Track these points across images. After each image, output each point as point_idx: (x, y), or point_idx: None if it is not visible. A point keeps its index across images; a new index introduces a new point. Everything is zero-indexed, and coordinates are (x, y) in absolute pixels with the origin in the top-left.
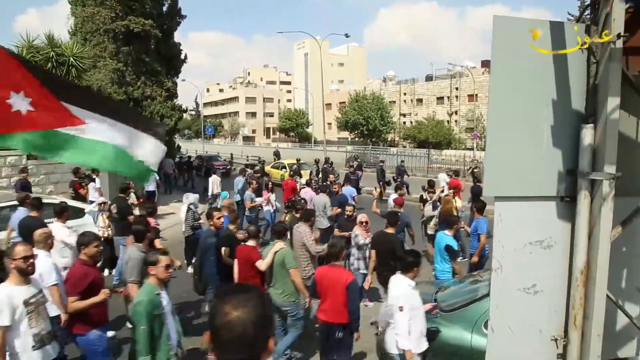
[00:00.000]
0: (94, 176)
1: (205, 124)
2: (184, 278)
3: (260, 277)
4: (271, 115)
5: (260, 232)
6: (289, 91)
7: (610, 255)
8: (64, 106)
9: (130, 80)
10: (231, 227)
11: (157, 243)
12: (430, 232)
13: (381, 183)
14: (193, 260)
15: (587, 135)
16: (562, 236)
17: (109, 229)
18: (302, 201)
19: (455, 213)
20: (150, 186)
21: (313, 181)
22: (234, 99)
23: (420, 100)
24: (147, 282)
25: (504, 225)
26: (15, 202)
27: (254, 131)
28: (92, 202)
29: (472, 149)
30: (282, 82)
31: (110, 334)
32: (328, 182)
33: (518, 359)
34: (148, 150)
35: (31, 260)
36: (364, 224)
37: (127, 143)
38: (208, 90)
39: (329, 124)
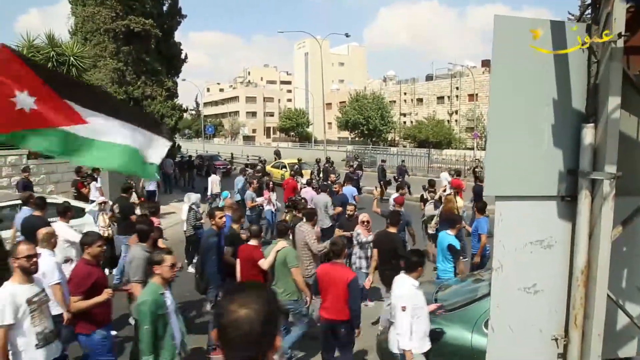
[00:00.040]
0: (96, 175)
1: (205, 124)
2: (186, 277)
3: (262, 276)
4: (271, 114)
5: (262, 232)
6: (289, 91)
7: (611, 254)
8: (67, 104)
9: (131, 80)
10: (234, 226)
11: (160, 242)
12: (430, 231)
13: (382, 182)
14: (194, 260)
15: (588, 134)
16: (562, 236)
17: (109, 228)
18: (303, 201)
19: (456, 212)
20: (151, 186)
21: (314, 181)
22: (234, 98)
23: (420, 100)
24: (151, 281)
25: (505, 224)
26: (17, 202)
27: (254, 131)
28: (93, 201)
29: (472, 148)
30: (283, 82)
31: (112, 333)
32: (329, 182)
33: (518, 359)
34: (152, 146)
35: (34, 260)
36: (365, 223)
37: (130, 141)
38: (208, 89)
39: (329, 123)
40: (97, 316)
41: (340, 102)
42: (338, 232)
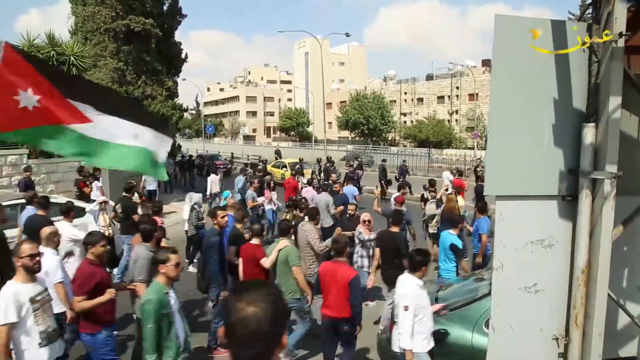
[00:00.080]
0: (98, 175)
1: (205, 123)
2: (187, 277)
3: (264, 275)
4: (272, 114)
5: (264, 230)
6: (290, 90)
7: (612, 254)
8: (70, 103)
9: (131, 80)
10: (238, 225)
11: (163, 242)
12: (431, 230)
13: (382, 182)
14: (195, 260)
15: (589, 134)
16: (563, 235)
17: (110, 227)
18: (303, 200)
19: (457, 212)
20: (152, 185)
21: (315, 180)
22: (235, 98)
23: (420, 100)
24: (155, 280)
25: (505, 224)
26: (19, 201)
27: (254, 130)
28: (94, 201)
29: (472, 148)
30: (283, 82)
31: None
32: (330, 181)
33: (519, 358)
34: (160, 146)
35: (37, 259)
36: (366, 222)
37: (142, 142)
38: (208, 89)
39: (330, 123)
40: (102, 316)
41: (341, 102)
42: (339, 231)
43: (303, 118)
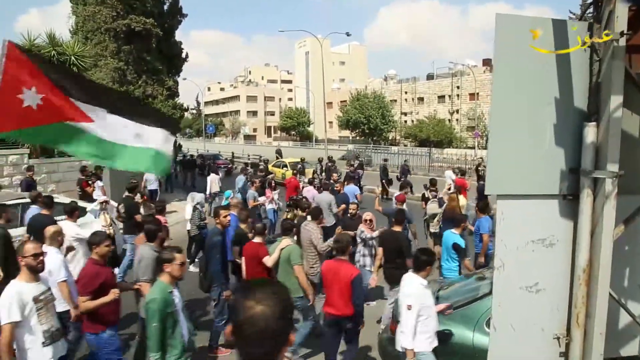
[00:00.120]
0: (100, 174)
1: (206, 123)
2: (188, 277)
3: (267, 274)
4: (272, 114)
5: (266, 229)
6: (290, 90)
7: (613, 253)
8: (73, 103)
9: (132, 79)
10: (242, 225)
11: (166, 241)
12: (433, 229)
13: (384, 181)
14: (196, 259)
15: (590, 133)
16: (564, 234)
17: (111, 227)
18: (304, 200)
19: (458, 211)
20: (153, 185)
21: (316, 180)
22: (235, 97)
23: (421, 99)
24: (159, 280)
25: (507, 223)
26: (21, 200)
27: (255, 130)
28: (96, 200)
29: (473, 147)
30: (283, 81)
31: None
32: (331, 181)
33: (520, 358)
34: (159, 141)
35: (41, 258)
36: (368, 221)
37: (137, 139)
38: (209, 89)
39: (330, 122)
40: (106, 316)
41: (341, 101)
42: (339, 231)
43: (304, 117)
